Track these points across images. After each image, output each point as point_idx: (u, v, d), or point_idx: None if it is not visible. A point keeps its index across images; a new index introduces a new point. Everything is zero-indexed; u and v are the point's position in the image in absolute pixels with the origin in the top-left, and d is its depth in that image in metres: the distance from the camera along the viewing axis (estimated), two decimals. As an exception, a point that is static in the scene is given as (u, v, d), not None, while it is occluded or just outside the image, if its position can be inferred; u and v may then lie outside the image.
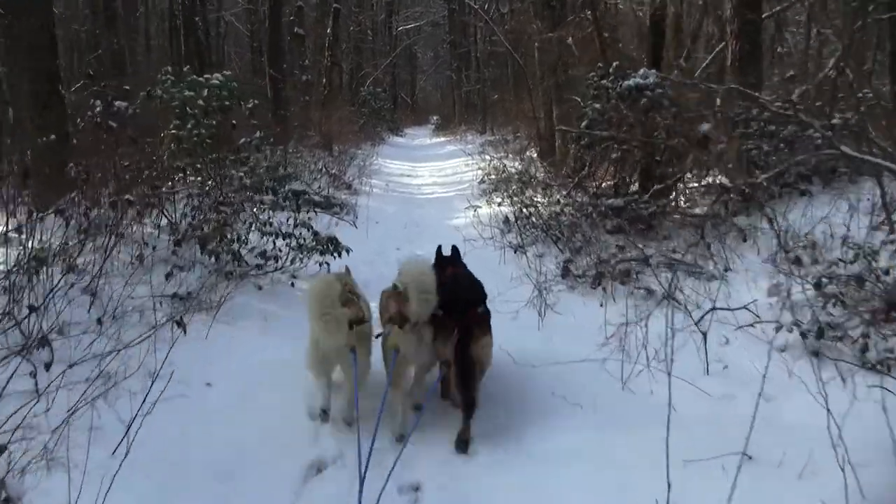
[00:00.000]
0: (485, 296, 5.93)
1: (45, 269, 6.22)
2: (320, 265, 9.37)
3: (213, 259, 8.10)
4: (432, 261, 6.29)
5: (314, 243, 9.23)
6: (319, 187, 15.71)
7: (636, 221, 10.40)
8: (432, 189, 19.53)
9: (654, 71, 10.45)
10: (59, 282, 6.14)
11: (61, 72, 9.71)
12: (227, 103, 8.69)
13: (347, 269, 6.77)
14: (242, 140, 8.98)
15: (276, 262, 8.92)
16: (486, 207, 14.64)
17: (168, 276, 7.48)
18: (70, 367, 5.29)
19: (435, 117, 50.57)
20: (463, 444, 5.12)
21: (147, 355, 5.71)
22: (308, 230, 9.34)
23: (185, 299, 7.38)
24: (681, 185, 11.18)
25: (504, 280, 9.10)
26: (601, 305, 7.80)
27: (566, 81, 18.21)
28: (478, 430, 5.27)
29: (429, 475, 4.92)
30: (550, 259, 9.96)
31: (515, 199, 13.78)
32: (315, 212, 9.17)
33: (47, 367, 5.36)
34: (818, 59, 15.91)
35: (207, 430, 5.38)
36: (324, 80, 23.54)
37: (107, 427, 4.93)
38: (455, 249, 6.51)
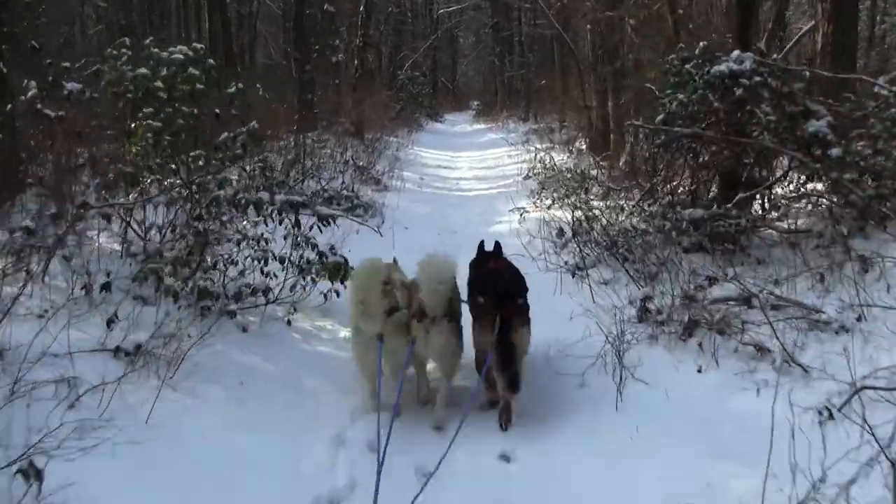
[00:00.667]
0: (526, 289, 5.88)
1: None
2: (326, 296, 7.32)
3: (171, 299, 6.03)
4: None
5: (319, 267, 7.16)
6: (343, 183, 13.64)
7: (719, 238, 8.25)
8: (471, 184, 17.37)
9: (749, 54, 8.18)
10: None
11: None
12: (199, 86, 6.48)
13: (395, 261, 6.39)
14: (224, 136, 6.81)
15: (267, 294, 6.85)
16: (533, 210, 12.50)
17: (110, 323, 5.41)
18: None
19: (476, 103, 48.27)
20: (504, 423, 5.31)
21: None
22: (313, 249, 7.26)
23: (133, 355, 5.31)
24: (773, 193, 8.97)
25: (561, 319, 7.00)
26: (699, 371, 5.65)
27: (626, 67, 16.00)
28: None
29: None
30: (619, 287, 7.81)
31: (570, 202, 11.67)
32: (326, 223, 7.00)
33: None
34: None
35: None
36: (355, 62, 21.38)
37: None
38: (497, 245, 6.30)
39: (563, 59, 26.35)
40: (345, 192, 12.85)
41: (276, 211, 6.96)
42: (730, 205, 8.40)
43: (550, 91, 27.81)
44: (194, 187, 6.51)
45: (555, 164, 16.19)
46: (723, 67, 7.94)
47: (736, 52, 8.11)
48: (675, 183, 9.21)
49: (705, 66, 8.31)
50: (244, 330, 6.58)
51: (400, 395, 4.98)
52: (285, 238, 7.37)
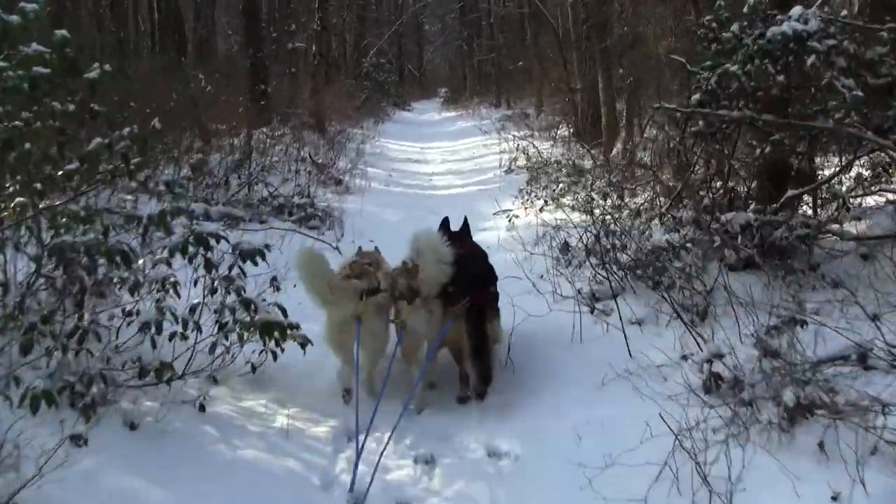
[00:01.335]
0: (496, 277, 5.80)
1: None
2: (254, 367, 5.17)
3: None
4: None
5: (247, 322, 4.98)
6: (297, 186, 11.41)
7: (776, 252, 6.21)
8: (446, 180, 15.15)
9: (814, 10, 6.03)
10: None
11: None
12: (42, 73, 4.13)
13: (377, 249, 6.21)
14: (96, 142, 4.49)
15: (163, 376, 4.63)
16: (523, 213, 10.37)
17: None
18: None
19: (443, 90, 45.87)
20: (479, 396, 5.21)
21: None
22: (237, 296, 5.07)
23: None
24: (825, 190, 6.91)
25: (588, 385, 4.98)
26: (833, 499, 3.51)
27: (619, 43, 13.88)
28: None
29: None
30: (659, 327, 5.73)
31: (568, 203, 9.57)
32: (254, 261, 4.80)
33: None
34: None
35: None
36: (313, 49, 19.03)
37: None
38: (465, 223, 6.24)
39: (537, 40, 24.13)
40: (298, 198, 10.61)
41: (182, 247, 4.72)
42: (776, 205, 6.35)
43: (526, 74, 25.60)
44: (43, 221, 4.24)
45: (540, 155, 14.03)
46: (784, 28, 5.78)
47: (798, 9, 5.95)
48: (714, 181, 7.08)
49: (755, 28, 6.15)
50: (132, 427, 4.39)
51: (386, 381, 4.95)
52: (196, 283, 5.15)
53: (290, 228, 9.19)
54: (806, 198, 6.97)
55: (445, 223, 6.15)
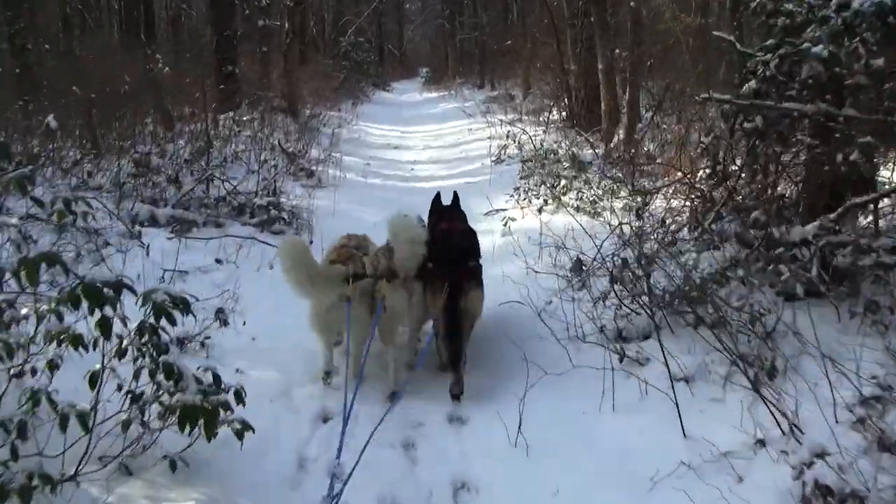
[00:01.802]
0: (478, 250, 5.69)
1: None
2: (174, 464, 3.79)
3: None
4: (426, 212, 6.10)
5: (165, 404, 3.61)
6: (263, 179, 9.94)
7: (843, 277, 4.96)
8: (430, 170, 13.68)
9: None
10: None
11: None
12: None
13: (366, 237, 5.84)
14: None
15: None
16: (521, 213, 9.01)
17: None
18: None
19: (424, 69, 44.22)
20: (455, 397, 4.86)
21: None
22: (154, 357, 3.67)
23: None
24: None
25: (634, 487, 3.61)
26: None
27: (620, 18, 12.52)
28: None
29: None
30: (714, 387, 4.37)
31: (572, 202, 8.25)
32: (183, 309, 3.36)
33: None
34: None
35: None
36: (286, 26, 17.42)
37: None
38: (455, 197, 6.16)
39: (524, 17, 22.66)
40: (262, 196, 9.16)
41: (71, 300, 3.30)
42: (832, 217, 5.04)
43: (512, 54, 24.11)
44: None
45: (533, 144, 12.62)
46: (879, -3, 4.39)
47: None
48: (765, 189, 5.73)
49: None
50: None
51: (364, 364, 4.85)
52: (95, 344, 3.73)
53: (249, 236, 7.76)
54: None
55: (437, 198, 6.17)
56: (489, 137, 15.44)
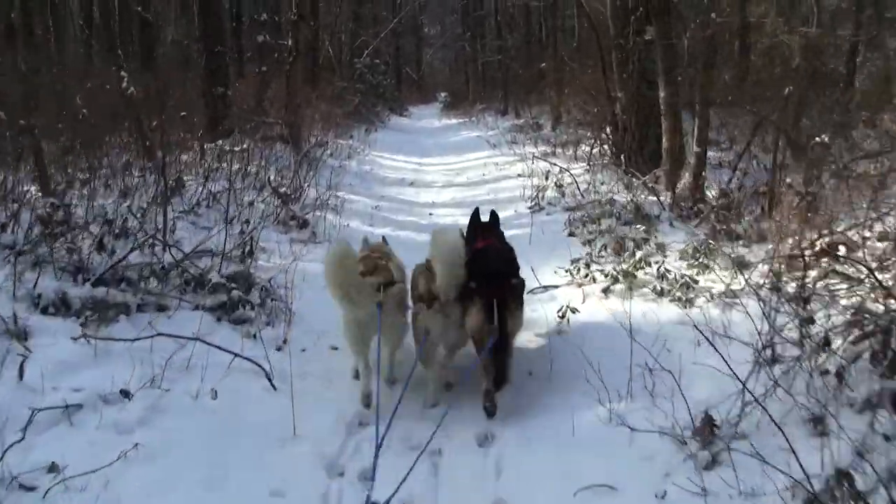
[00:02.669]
0: (517, 267, 5.39)
1: None
2: None
3: None
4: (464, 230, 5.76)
5: None
6: (240, 234, 7.44)
7: None
8: (452, 215, 10.87)
9: None
10: None
11: None
12: None
13: (384, 240, 6.08)
14: None
15: None
16: (572, 286, 6.51)
17: None
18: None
19: (443, 94, 41.76)
20: (489, 411, 4.71)
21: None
22: None
23: None
24: None
25: None
26: None
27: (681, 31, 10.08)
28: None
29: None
30: None
31: (654, 281, 5.78)
32: None
33: None
34: None
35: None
36: (289, 43, 14.91)
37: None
38: (494, 216, 5.98)
39: (555, 37, 20.16)
40: (223, 268, 6.61)
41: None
42: None
43: (539, 78, 21.62)
44: None
45: (578, 187, 10.11)
46: None
47: None
48: None
49: None
50: None
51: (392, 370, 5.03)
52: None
53: (193, 336, 5.21)
54: None
55: (475, 214, 5.94)
56: (519, 175, 12.97)
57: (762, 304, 4.65)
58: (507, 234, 8.90)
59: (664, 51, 9.84)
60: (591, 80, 14.54)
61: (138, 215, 7.35)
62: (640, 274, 6.44)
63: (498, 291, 4.84)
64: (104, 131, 10.79)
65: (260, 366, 5.08)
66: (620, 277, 6.36)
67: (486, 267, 5.10)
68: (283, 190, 10.27)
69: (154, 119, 11.80)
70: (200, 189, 9.35)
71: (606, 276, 6.43)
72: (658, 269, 6.29)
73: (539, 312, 6.24)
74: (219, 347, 5.10)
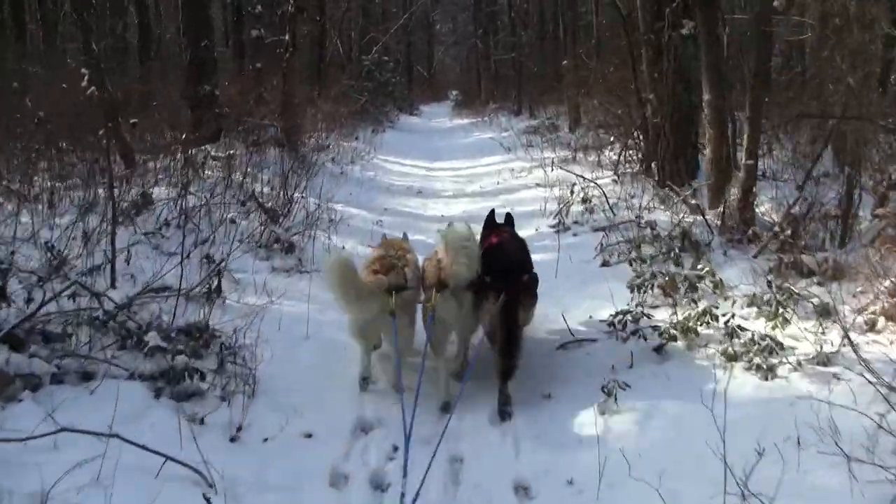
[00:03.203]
0: (531, 264, 5.38)
1: None
2: None
3: None
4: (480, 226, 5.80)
5: None
6: (208, 262, 6.05)
7: None
8: (463, 234, 9.63)
9: None
10: None
11: None
12: None
13: (405, 235, 5.87)
14: None
15: None
16: (612, 341, 5.12)
17: None
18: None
19: (454, 92, 40.21)
20: (504, 414, 4.61)
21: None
22: None
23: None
24: None
25: None
26: None
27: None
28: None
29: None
30: None
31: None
32: None
33: None
34: None
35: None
36: (286, 37, 13.45)
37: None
38: (509, 217, 6.01)
39: (573, 34, 18.67)
40: (183, 314, 5.22)
41: None
42: None
43: (555, 77, 20.17)
44: None
45: (608, 203, 8.69)
46: None
47: None
48: None
49: None
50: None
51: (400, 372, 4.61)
52: None
53: (112, 434, 3.76)
54: None
55: (491, 215, 5.94)
56: (538, 184, 11.54)
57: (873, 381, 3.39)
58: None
59: (709, 47, 8.39)
60: (617, 80, 13.06)
61: (80, 244, 5.96)
62: (701, 327, 4.99)
63: (511, 286, 4.77)
64: (66, 136, 9.40)
65: (200, 473, 3.66)
66: (678, 335, 4.91)
67: (500, 262, 5.06)
68: (269, 204, 8.86)
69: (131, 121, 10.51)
70: (173, 204, 7.96)
71: (661, 333, 4.97)
72: (727, 325, 4.84)
73: (574, 382, 4.83)
74: (143, 447, 3.67)
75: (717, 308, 5.00)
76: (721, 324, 4.90)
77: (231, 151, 10.95)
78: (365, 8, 35.66)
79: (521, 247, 5.59)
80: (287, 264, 7.27)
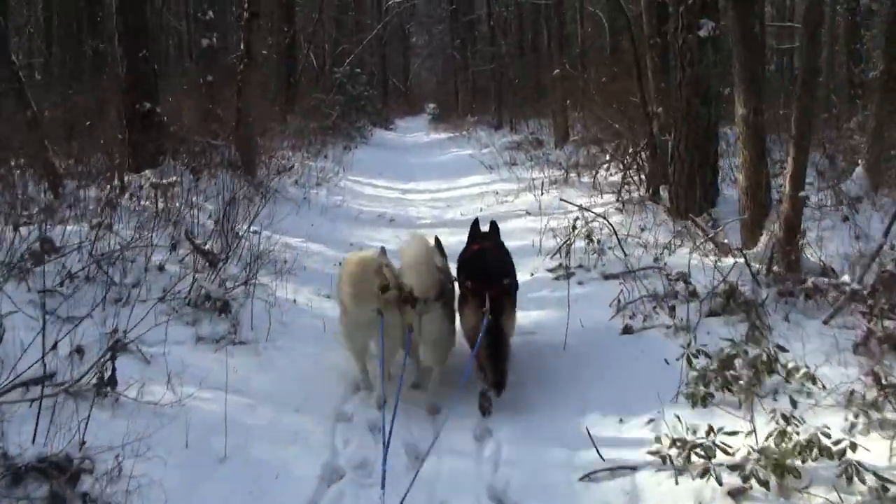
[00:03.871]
0: (513, 268, 5.32)
1: None
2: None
3: None
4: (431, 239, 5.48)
5: None
6: (108, 333, 4.35)
7: None
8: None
9: None
10: None
11: None
12: None
13: (383, 250, 5.35)
14: None
15: None
16: (657, 468, 3.47)
17: None
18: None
19: (431, 105, 38.55)
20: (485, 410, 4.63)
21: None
22: None
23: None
24: None
25: None
26: None
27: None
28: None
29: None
30: None
31: None
32: None
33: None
34: None
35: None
36: (241, 48, 11.75)
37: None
38: (494, 225, 5.74)
39: (559, 43, 17.12)
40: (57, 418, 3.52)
41: None
42: None
43: (536, 89, 18.62)
44: None
45: (619, 241, 7.11)
46: None
47: None
48: None
49: None
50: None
51: (403, 372, 4.64)
52: None
53: None
54: None
55: (476, 224, 5.79)
56: (528, 212, 9.93)
57: None
58: (524, 323, 5.97)
59: (745, 48, 6.78)
60: (617, 90, 11.47)
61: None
62: (796, 458, 3.32)
63: (492, 291, 4.71)
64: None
65: None
66: (762, 474, 3.21)
67: (481, 267, 5.07)
68: (208, 245, 7.16)
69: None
70: (85, 250, 6.22)
71: (739, 472, 3.27)
72: (841, 458, 3.17)
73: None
74: None
75: (828, 430, 3.30)
76: (835, 459, 3.21)
77: (172, 178, 9.21)
78: (338, 19, 34.06)
79: (503, 256, 5.46)
80: (217, 331, 5.53)
